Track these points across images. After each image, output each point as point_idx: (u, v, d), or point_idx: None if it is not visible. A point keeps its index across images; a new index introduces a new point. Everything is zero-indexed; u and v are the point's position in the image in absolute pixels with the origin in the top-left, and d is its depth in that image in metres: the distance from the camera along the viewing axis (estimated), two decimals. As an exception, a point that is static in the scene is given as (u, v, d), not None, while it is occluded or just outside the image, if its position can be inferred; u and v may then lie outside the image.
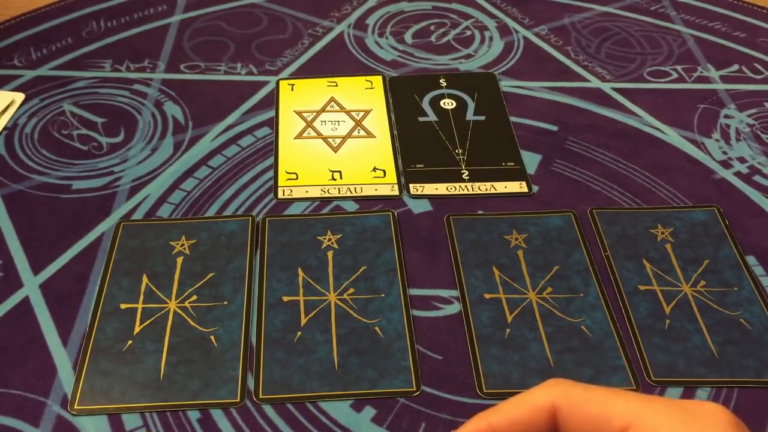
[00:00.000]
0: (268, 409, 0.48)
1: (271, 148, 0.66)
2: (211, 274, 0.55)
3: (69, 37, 0.79)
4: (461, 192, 0.62)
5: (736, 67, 0.77)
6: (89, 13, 0.82)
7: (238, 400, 0.48)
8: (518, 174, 0.64)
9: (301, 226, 0.59)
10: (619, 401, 0.24)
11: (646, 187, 0.63)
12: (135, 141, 0.67)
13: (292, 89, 0.73)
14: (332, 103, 0.71)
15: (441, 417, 0.47)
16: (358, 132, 0.68)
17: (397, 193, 0.62)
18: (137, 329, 0.51)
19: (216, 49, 0.78)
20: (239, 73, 0.75)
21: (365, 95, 0.72)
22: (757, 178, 0.64)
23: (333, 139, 0.67)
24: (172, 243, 0.57)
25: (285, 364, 0.50)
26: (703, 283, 0.55)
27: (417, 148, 0.66)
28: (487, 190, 0.62)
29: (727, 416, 0.23)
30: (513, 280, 0.55)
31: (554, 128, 0.69)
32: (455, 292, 0.55)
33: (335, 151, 0.66)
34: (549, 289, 0.54)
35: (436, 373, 0.50)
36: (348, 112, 0.70)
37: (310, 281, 0.55)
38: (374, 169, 0.64)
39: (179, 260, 0.56)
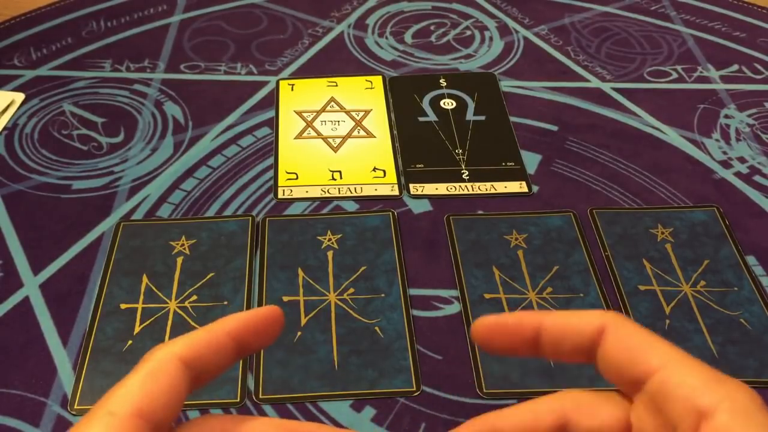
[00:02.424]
0: (268, 409, 0.48)
1: (271, 148, 0.66)
2: (211, 274, 0.55)
3: (69, 37, 0.79)
4: (461, 192, 0.62)
5: (736, 67, 0.77)
6: (89, 13, 0.82)
7: (238, 400, 0.48)
8: (518, 174, 0.64)
9: (301, 226, 0.59)
10: (663, 344, 0.27)
11: (646, 187, 0.63)
12: (135, 141, 0.67)
13: (292, 89, 0.73)
14: (332, 103, 0.71)
15: (441, 417, 0.47)
16: (358, 132, 0.68)
17: (397, 193, 0.62)
18: (137, 329, 0.51)
19: (216, 49, 0.78)
20: (239, 73, 0.75)
21: (365, 95, 0.72)
22: (757, 178, 0.64)
23: (333, 139, 0.67)
24: (172, 243, 0.57)
25: (285, 364, 0.50)
26: (703, 283, 0.55)
27: (417, 148, 0.66)
28: (487, 190, 0.62)
29: (750, 389, 0.25)
30: (513, 280, 0.55)
31: (554, 128, 0.69)
32: (455, 292, 0.55)
33: (335, 151, 0.66)
34: (549, 289, 0.54)
35: (436, 373, 0.50)
36: (348, 112, 0.70)
37: (310, 281, 0.55)
38: (374, 169, 0.64)
39: (179, 260, 0.56)
